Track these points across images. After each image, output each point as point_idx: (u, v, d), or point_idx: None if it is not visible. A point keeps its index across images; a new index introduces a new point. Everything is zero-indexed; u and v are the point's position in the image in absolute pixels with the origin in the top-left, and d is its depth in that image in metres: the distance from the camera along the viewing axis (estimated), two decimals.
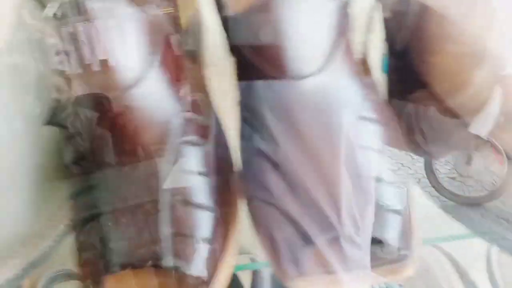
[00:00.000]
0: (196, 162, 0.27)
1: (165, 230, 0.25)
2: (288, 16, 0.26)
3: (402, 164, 0.42)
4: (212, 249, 0.25)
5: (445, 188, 0.62)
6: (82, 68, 0.27)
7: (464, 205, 0.61)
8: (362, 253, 0.24)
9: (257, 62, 0.27)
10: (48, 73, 0.34)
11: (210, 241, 0.25)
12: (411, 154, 0.45)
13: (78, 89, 0.29)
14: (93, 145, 0.27)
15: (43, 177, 0.31)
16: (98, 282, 0.24)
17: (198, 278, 0.24)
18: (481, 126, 0.33)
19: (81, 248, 0.25)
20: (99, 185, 0.26)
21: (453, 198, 0.61)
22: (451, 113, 0.35)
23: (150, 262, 0.24)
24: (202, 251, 0.25)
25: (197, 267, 0.24)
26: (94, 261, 0.24)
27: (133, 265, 0.24)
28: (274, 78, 0.27)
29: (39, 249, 0.29)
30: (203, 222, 0.26)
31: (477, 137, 0.34)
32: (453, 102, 0.35)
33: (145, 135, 0.26)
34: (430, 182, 0.61)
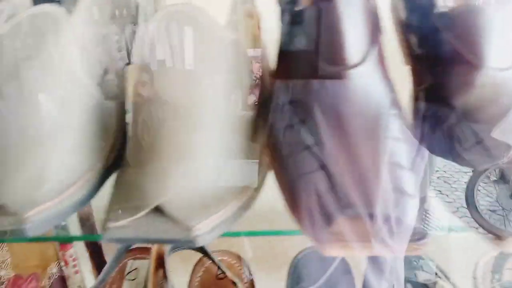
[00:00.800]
0: (399, 130, 0.32)
1: (384, 185, 0.29)
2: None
3: (440, 191, 0.44)
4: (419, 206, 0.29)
5: (485, 220, 0.62)
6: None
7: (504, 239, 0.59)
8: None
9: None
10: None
11: (415, 198, 0.30)
12: (449, 182, 0.45)
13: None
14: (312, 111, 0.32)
15: (244, 138, 0.36)
16: (328, 222, 0.28)
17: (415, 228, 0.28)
18: (505, 131, 0.33)
19: (310, 191, 0.30)
20: (321, 144, 0.31)
21: (493, 231, 0.60)
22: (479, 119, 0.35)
23: (369, 211, 0.28)
24: (414, 206, 0.29)
25: (411, 220, 0.28)
26: (325, 204, 0.29)
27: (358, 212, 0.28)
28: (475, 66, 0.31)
29: (248, 194, 0.34)
30: (409, 181, 0.30)
31: (508, 146, 0.33)
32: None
33: (365, 108, 0.31)
34: (470, 213, 0.61)
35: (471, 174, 0.48)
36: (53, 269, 0.78)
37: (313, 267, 0.54)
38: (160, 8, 0.37)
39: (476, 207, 0.62)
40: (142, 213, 0.30)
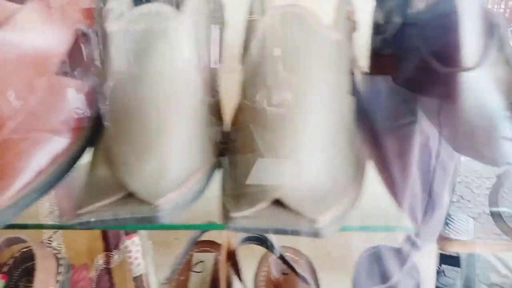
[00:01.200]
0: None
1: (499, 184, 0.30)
2: None
3: (461, 196, 0.44)
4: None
5: (508, 226, 0.62)
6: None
7: None
8: None
9: None
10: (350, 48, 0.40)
11: None
12: (471, 187, 0.46)
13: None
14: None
15: (347, 135, 0.37)
16: (444, 220, 0.30)
17: None
18: None
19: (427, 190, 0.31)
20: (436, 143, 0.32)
21: None
22: None
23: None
24: None
25: None
26: (443, 202, 0.30)
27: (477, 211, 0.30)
28: None
29: (356, 190, 0.35)
30: None
31: None
32: None
33: (479, 109, 0.32)
34: (493, 219, 0.60)
35: (493, 180, 0.49)
36: (100, 261, 0.80)
37: (380, 266, 0.55)
38: (268, 8, 0.38)
39: (500, 214, 0.62)
40: (264, 204, 0.31)
